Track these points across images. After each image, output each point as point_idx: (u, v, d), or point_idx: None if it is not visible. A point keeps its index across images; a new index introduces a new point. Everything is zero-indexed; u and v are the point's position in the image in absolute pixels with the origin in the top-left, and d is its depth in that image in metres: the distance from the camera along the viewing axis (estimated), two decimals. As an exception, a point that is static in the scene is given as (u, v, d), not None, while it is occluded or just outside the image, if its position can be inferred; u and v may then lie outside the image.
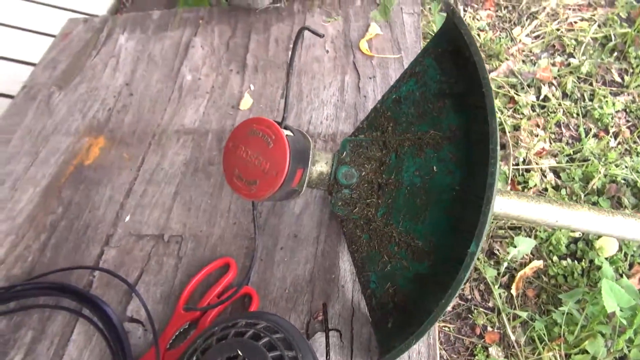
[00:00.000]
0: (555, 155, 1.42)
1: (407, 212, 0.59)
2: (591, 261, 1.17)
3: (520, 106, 1.54)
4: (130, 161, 0.81)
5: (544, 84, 1.60)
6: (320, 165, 0.60)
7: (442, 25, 0.57)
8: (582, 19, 1.82)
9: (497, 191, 0.47)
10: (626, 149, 1.42)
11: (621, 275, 1.13)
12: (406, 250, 0.57)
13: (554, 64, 1.67)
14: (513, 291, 1.17)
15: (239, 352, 0.47)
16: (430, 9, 1.90)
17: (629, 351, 0.97)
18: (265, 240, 0.69)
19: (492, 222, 1.28)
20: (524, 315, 1.07)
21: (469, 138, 0.53)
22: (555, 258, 1.19)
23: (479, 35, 1.83)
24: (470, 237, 0.45)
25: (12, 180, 0.82)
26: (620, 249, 1.17)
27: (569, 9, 1.87)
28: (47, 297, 0.67)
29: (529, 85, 1.61)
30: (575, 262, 1.18)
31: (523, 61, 1.70)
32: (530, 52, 1.75)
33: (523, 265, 1.21)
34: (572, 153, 1.42)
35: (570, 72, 1.63)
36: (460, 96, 0.55)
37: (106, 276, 0.69)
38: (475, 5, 1.97)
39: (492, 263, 1.21)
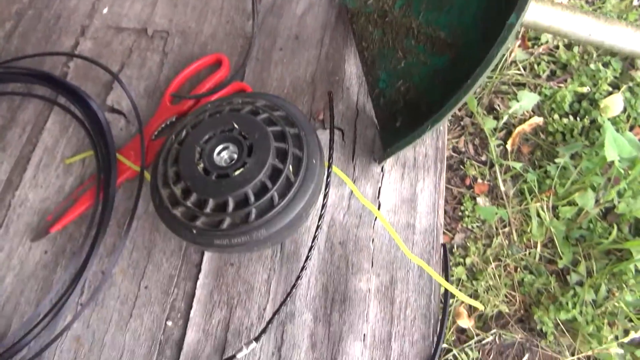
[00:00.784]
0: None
1: (429, 1, 0.51)
2: (592, 121, 1.14)
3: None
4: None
5: None
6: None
7: None
8: None
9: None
10: (646, 12, 1.32)
11: (620, 137, 1.10)
12: (425, 44, 0.50)
13: None
14: (508, 146, 1.14)
15: (235, 125, 0.42)
16: None
17: (618, 203, 0.97)
18: (262, 41, 0.61)
19: (496, 77, 1.22)
20: (517, 166, 1.06)
21: None
22: (556, 116, 1.15)
23: None
24: (506, 13, 0.38)
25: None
26: (625, 110, 1.13)
27: None
28: (15, 84, 0.61)
29: None
30: (577, 119, 1.14)
31: None
32: None
33: (522, 122, 1.17)
34: (591, 10, 1.32)
35: None
36: None
37: (82, 67, 0.61)
38: None
39: (491, 118, 1.17)
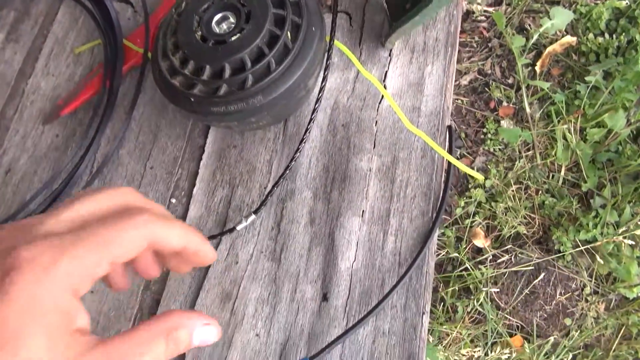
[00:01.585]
0: None
1: None
2: (630, 41, 1.07)
3: None
4: None
5: None
6: None
7: None
8: None
9: None
10: None
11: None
12: None
13: None
14: (537, 68, 1.09)
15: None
16: None
17: (650, 121, 0.93)
18: None
19: (529, -5, 1.15)
20: (545, 86, 1.01)
21: None
22: (590, 35, 1.08)
23: None
24: None
25: None
26: (667, 28, 1.05)
27: None
28: (26, -24, 0.61)
29: None
30: (613, 37, 1.07)
31: None
32: None
33: (553, 42, 1.11)
34: None
35: None
36: None
37: (91, -40, 0.60)
38: None
39: (521, 38, 1.11)
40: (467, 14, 1.17)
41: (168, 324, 0.24)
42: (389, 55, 0.50)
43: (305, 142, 0.43)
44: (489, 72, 1.13)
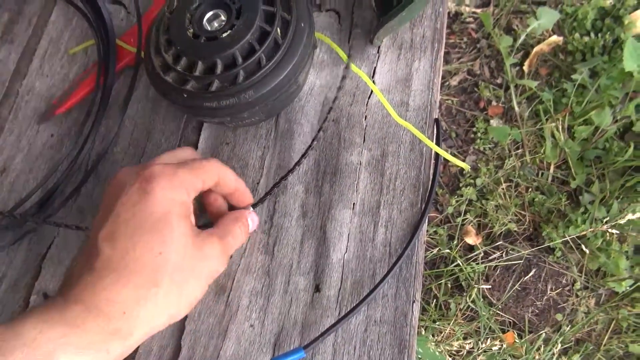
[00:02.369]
0: None
1: None
2: (615, 40, 1.09)
3: None
4: None
5: None
6: None
7: None
8: None
9: None
10: None
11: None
12: None
13: None
14: (525, 67, 1.11)
15: (224, -9, 0.42)
16: None
17: (637, 120, 0.94)
18: None
19: (516, -4, 1.17)
20: (533, 85, 1.03)
21: None
22: (577, 35, 1.11)
23: None
24: None
25: None
26: (651, 27, 1.07)
27: None
28: (20, -22, 0.61)
29: None
30: (599, 37, 1.09)
31: None
32: None
33: (541, 42, 1.13)
34: None
35: None
36: None
37: (83, -38, 0.61)
38: None
39: (508, 38, 1.13)
40: (456, 16, 1.19)
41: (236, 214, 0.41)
42: (378, 52, 0.51)
43: (293, 173, 0.44)
44: (478, 72, 1.15)
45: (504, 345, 0.95)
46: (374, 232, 0.44)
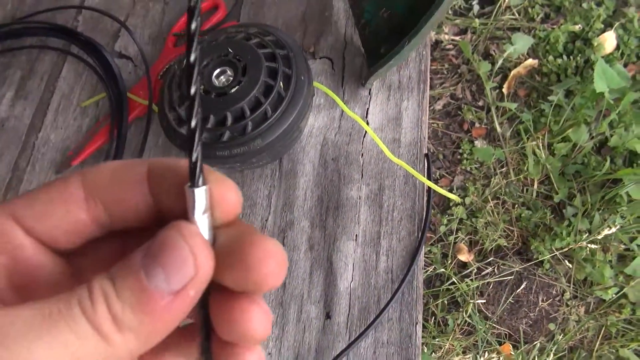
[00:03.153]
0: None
1: None
2: (586, 60, 1.16)
3: None
4: None
5: None
6: None
7: None
8: None
9: None
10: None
11: (614, 74, 1.12)
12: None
13: None
14: (504, 90, 1.17)
15: (229, 50, 0.47)
16: None
17: (611, 136, 1.01)
18: (254, -16, 0.65)
19: (491, 23, 1.24)
20: (513, 106, 1.09)
21: None
22: (550, 57, 1.17)
23: None
24: None
25: None
26: (618, 47, 1.15)
27: None
28: (33, 37, 0.66)
29: None
30: (571, 59, 1.16)
31: None
32: None
33: (517, 65, 1.19)
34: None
35: None
36: None
37: (91, 20, 0.66)
38: None
39: (487, 63, 1.20)
40: (436, 43, 1.25)
41: None
42: (369, 94, 0.56)
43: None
44: (461, 96, 1.21)
45: (501, 357, 0.99)
46: (376, 260, 0.48)
